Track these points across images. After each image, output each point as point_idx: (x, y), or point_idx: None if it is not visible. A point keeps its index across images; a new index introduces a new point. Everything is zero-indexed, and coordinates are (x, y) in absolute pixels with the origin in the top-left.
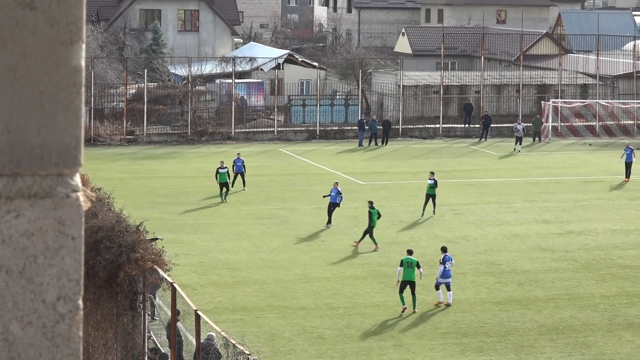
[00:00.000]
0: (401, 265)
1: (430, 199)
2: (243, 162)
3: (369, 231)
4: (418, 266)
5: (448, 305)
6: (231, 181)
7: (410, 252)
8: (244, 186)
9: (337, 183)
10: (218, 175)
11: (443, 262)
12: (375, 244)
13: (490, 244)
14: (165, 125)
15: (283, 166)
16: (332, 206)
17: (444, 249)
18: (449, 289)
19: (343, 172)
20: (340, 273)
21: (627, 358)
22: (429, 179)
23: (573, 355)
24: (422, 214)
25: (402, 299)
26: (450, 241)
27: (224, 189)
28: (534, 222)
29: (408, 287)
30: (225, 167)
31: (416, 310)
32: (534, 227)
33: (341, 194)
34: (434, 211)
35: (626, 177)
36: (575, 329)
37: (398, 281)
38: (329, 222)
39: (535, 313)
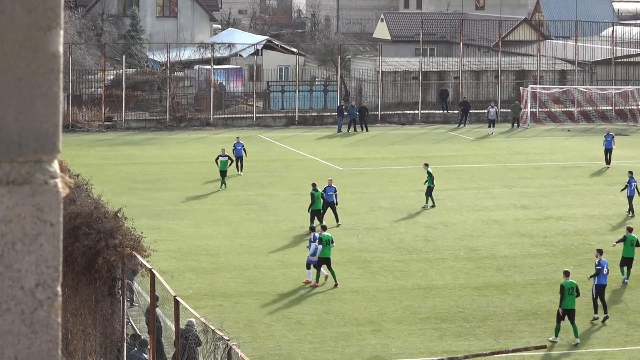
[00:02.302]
0: (320, 242)
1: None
2: (243, 146)
3: (316, 213)
4: (332, 242)
5: (315, 285)
6: (237, 165)
7: (324, 228)
8: (241, 170)
9: (331, 180)
10: (219, 162)
11: (313, 240)
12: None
13: (469, 230)
14: (143, 112)
15: (262, 152)
16: (329, 205)
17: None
18: (317, 268)
19: (322, 158)
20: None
21: (605, 342)
22: (426, 170)
23: (551, 338)
24: (434, 204)
25: (318, 275)
26: (429, 227)
27: (224, 177)
28: (513, 208)
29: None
30: (226, 155)
31: (337, 283)
32: (512, 212)
33: (336, 191)
34: (430, 204)
35: (607, 163)
36: (553, 313)
37: (316, 257)
38: (337, 222)
39: (514, 298)
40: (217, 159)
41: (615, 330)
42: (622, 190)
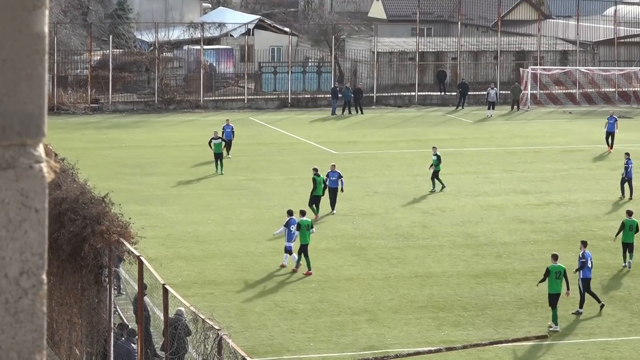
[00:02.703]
0: (298, 228)
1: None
2: (232, 129)
3: (314, 201)
4: (311, 227)
5: (294, 271)
6: (226, 149)
7: (303, 213)
8: (228, 153)
9: (334, 165)
10: (213, 145)
11: (287, 225)
12: (315, 213)
13: (468, 215)
14: (131, 93)
15: (254, 135)
16: (332, 192)
17: (289, 212)
18: (290, 253)
19: (315, 141)
20: (313, 246)
21: (607, 332)
22: (433, 153)
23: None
24: (443, 186)
25: (299, 259)
26: (426, 212)
27: (219, 161)
28: (513, 193)
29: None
30: (219, 138)
31: (311, 271)
32: (512, 197)
33: (342, 177)
34: (442, 188)
35: (609, 147)
36: None
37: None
38: (333, 209)
39: (514, 286)
40: (211, 141)
41: (619, 319)
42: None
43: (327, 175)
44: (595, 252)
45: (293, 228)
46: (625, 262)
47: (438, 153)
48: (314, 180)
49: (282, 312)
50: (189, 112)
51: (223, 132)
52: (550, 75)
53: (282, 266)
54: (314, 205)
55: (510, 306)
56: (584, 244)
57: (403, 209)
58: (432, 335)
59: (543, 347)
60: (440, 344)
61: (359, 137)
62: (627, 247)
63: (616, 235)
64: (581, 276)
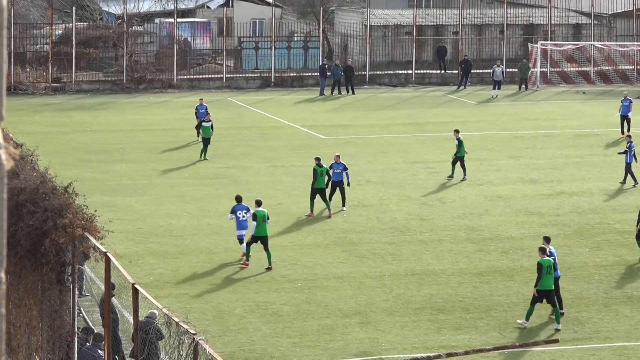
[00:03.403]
0: (254, 218)
1: (459, 162)
2: (206, 109)
3: (318, 192)
4: (267, 218)
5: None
6: (198, 131)
7: (259, 203)
8: (198, 136)
9: (339, 156)
10: (202, 129)
11: (233, 211)
12: (329, 209)
13: (470, 207)
14: (96, 72)
15: (233, 118)
16: (336, 185)
17: (237, 198)
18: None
19: (302, 125)
20: (299, 241)
21: (625, 336)
22: (455, 137)
23: (564, 332)
24: (464, 176)
25: (248, 252)
26: (424, 204)
27: (208, 145)
28: (520, 182)
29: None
30: (210, 121)
31: (271, 266)
32: (519, 187)
33: (347, 169)
34: (463, 177)
35: (622, 132)
36: (566, 303)
37: (252, 235)
38: (343, 205)
39: (521, 285)
40: (199, 126)
41: (637, 321)
42: (621, 153)
43: (331, 167)
44: (611, 248)
45: (241, 215)
46: None
47: (460, 137)
48: (315, 171)
49: (265, 314)
50: (161, 92)
51: (196, 113)
52: (562, 51)
53: (244, 257)
54: (314, 200)
55: (518, 307)
56: (547, 240)
57: (399, 199)
58: (431, 339)
59: (553, 352)
60: (439, 349)
61: (350, 120)
62: None
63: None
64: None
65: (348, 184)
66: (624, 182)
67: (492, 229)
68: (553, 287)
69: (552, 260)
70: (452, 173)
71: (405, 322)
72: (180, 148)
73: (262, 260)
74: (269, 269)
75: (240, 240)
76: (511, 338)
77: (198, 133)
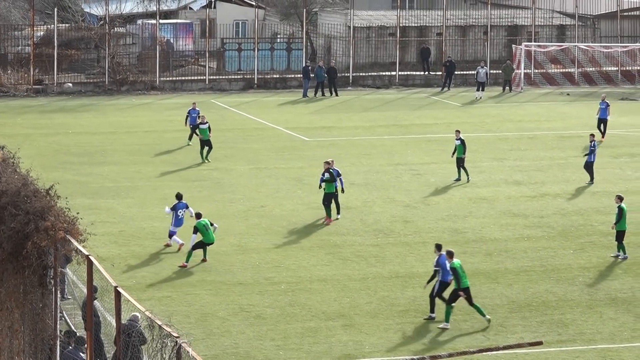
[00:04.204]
0: (195, 232)
1: (459, 163)
2: (199, 113)
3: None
4: (211, 224)
5: (168, 245)
6: (190, 135)
7: (198, 216)
8: (190, 139)
9: (332, 162)
10: (199, 131)
11: (174, 209)
12: (328, 216)
13: (454, 209)
14: (78, 73)
15: (216, 120)
16: (331, 193)
17: (178, 196)
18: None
19: (285, 126)
20: (282, 243)
21: (609, 338)
22: (456, 138)
23: (548, 335)
24: (458, 179)
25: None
26: (408, 206)
27: (206, 148)
28: (504, 184)
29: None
30: (207, 122)
31: (206, 258)
32: (503, 189)
33: (341, 175)
34: (468, 178)
35: (602, 135)
36: (550, 305)
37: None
38: (338, 212)
39: (506, 287)
40: (197, 127)
41: (621, 323)
42: (585, 155)
43: (323, 175)
44: (595, 250)
45: (181, 213)
46: (619, 250)
47: (462, 137)
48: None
49: (248, 317)
50: (143, 94)
51: (187, 117)
52: (546, 52)
53: (167, 245)
54: (327, 204)
55: (502, 309)
56: (439, 247)
57: (382, 202)
58: (415, 342)
59: (537, 354)
60: (423, 352)
61: (333, 122)
62: (621, 235)
63: (615, 223)
64: (440, 278)
65: (342, 190)
66: (591, 181)
67: (476, 231)
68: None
69: (459, 262)
70: (460, 176)
71: (389, 325)
72: (163, 150)
73: (246, 262)
74: (203, 260)
75: (171, 235)
76: (495, 340)
77: (191, 136)
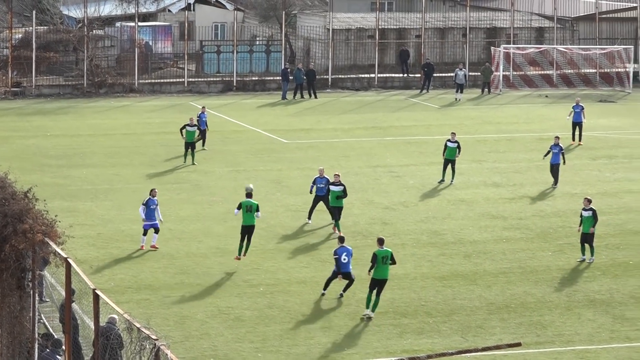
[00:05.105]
0: (239, 208)
1: (450, 165)
2: (206, 118)
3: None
4: (257, 209)
5: (154, 248)
6: (202, 140)
7: (249, 195)
8: (204, 145)
9: (323, 170)
10: (185, 132)
11: (146, 204)
12: (338, 229)
13: (433, 211)
14: (57, 76)
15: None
16: (320, 200)
17: (152, 193)
18: (156, 232)
19: (264, 129)
20: (261, 245)
21: (587, 339)
22: (450, 140)
23: (527, 336)
24: (442, 180)
25: (240, 248)
26: (387, 208)
27: (190, 149)
28: (483, 186)
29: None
30: (195, 125)
31: (156, 246)
32: (482, 191)
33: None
34: (452, 180)
35: (575, 139)
36: (529, 307)
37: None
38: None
39: (484, 289)
40: (183, 128)
41: (599, 325)
42: (545, 156)
43: (314, 182)
44: (574, 252)
45: (153, 207)
46: (584, 254)
47: (457, 140)
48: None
49: (227, 319)
50: (122, 96)
51: (198, 121)
52: (525, 54)
53: (153, 247)
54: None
55: (480, 311)
56: (342, 239)
57: (361, 204)
58: (394, 344)
59: (516, 356)
60: (402, 354)
61: (312, 124)
62: (588, 238)
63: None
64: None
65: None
66: (555, 184)
67: (455, 233)
68: (387, 278)
69: (389, 252)
70: (444, 177)
71: (368, 327)
72: (142, 153)
73: (224, 264)
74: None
75: (145, 231)
76: (474, 342)
77: (203, 142)
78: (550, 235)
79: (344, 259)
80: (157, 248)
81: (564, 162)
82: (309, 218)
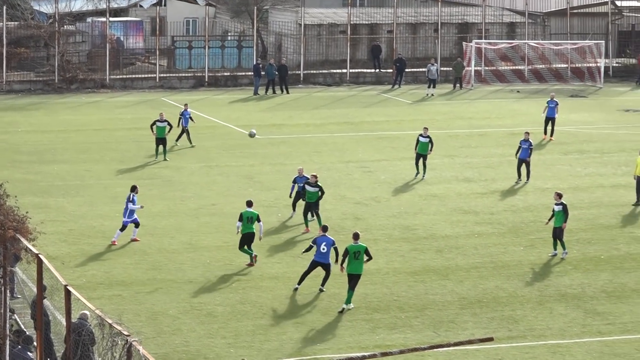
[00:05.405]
0: (240, 219)
1: (422, 160)
2: (190, 115)
3: (306, 210)
4: (258, 220)
5: (135, 240)
6: (188, 138)
7: (250, 204)
8: (191, 142)
9: (302, 169)
10: (155, 128)
11: (130, 200)
12: (306, 225)
13: (405, 206)
14: (28, 72)
15: (167, 118)
16: (299, 198)
17: (132, 188)
18: (137, 226)
19: (236, 124)
20: (234, 241)
21: (559, 333)
22: (422, 135)
23: (499, 331)
24: (417, 173)
25: (246, 253)
26: (359, 203)
27: (161, 146)
28: (455, 181)
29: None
30: (165, 120)
31: (254, 260)
32: (454, 186)
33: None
34: (423, 175)
35: (547, 134)
36: (501, 301)
37: (238, 232)
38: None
39: (456, 284)
40: (154, 124)
41: (571, 319)
42: (517, 153)
43: (295, 181)
44: (545, 246)
45: (131, 205)
46: (556, 248)
47: (429, 134)
48: (303, 189)
49: (199, 315)
50: (93, 92)
51: (181, 119)
52: (496, 50)
53: (133, 240)
54: (308, 215)
55: (452, 306)
56: (324, 228)
57: (333, 199)
58: (366, 339)
59: (488, 350)
60: (374, 349)
61: (284, 119)
62: (558, 232)
63: (549, 220)
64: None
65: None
66: (527, 179)
67: (427, 228)
68: (360, 272)
69: (363, 246)
70: (422, 172)
71: (340, 322)
72: (113, 149)
73: (196, 260)
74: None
75: (124, 227)
76: (446, 337)
77: (179, 137)
78: (522, 230)
79: (323, 249)
80: (138, 240)
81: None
82: (294, 209)
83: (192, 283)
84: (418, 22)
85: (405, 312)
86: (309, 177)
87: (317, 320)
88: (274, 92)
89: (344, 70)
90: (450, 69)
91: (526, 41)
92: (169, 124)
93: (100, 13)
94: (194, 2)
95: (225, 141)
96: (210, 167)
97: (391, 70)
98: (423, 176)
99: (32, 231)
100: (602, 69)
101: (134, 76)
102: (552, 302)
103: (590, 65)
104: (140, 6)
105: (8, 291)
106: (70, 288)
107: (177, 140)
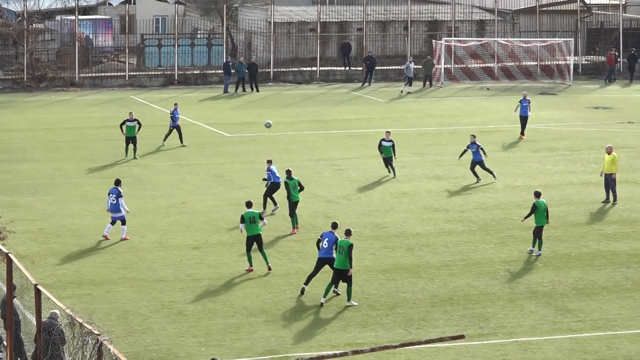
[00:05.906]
0: (242, 221)
1: (389, 163)
2: (179, 115)
3: (290, 208)
4: (261, 218)
5: (126, 239)
6: (180, 137)
7: (249, 205)
8: (182, 141)
9: (272, 161)
10: (125, 128)
11: (115, 195)
12: (294, 226)
13: (376, 204)
14: None
15: (136, 117)
16: (275, 189)
17: (116, 182)
18: (123, 223)
19: (206, 122)
20: (204, 239)
21: (529, 331)
22: (385, 139)
23: (470, 328)
24: (390, 172)
25: (249, 258)
26: (329, 201)
27: (131, 144)
28: (425, 179)
29: (255, 243)
30: (135, 120)
31: (270, 265)
32: (424, 184)
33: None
34: (394, 175)
35: (521, 133)
36: (472, 299)
37: (241, 231)
38: (275, 204)
39: (427, 282)
40: (123, 124)
41: (542, 316)
42: (461, 156)
43: (269, 170)
44: (516, 244)
45: (111, 198)
46: (534, 245)
47: (392, 139)
48: (287, 184)
49: (170, 313)
50: (62, 90)
51: (172, 117)
52: (466, 47)
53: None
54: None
55: (423, 304)
56: (334, 225)
57: (304, 197)
58: (337, 337)
59: (459, 348)
60: (346, 347)
61: (254, 117)
62: (539, 231)
63: (526, 218)
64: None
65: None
66: (478, 179)
67: (398, 226)
68: (347, 268)
69: (348, 242)
70: (394, 172)
71: (312, 320)
72: (83, 147)
73: (167, 258)
74: (269, 269)
75: (114, 222)
76: (417, 335)
77: (166, 137)
78: (492, 228)
79: (325, 245)
80: (128, 239)
81: (486, 155)
82: (275, 204)
83: (163, 282)
84: (388, 20)
85: (376, 310)
86: (275, 169)
87: (289, 319)
88: (244, 90)
89: (314, 68)
90: (420, 66)
91: (496, 39)
92: (138, 123)
93: (69, 11)
94: (164, 0)
95: (195, 139)
96: (180, 165)
97: (361, 68)
98: (394, 175)
99: (2, 230)
100: (572, 67)
101: (103, 74)
102: (523, 300)
103: (560, 62)
104: (109, 4)
105: None
106: (40, 287)
107: (164, 140)
